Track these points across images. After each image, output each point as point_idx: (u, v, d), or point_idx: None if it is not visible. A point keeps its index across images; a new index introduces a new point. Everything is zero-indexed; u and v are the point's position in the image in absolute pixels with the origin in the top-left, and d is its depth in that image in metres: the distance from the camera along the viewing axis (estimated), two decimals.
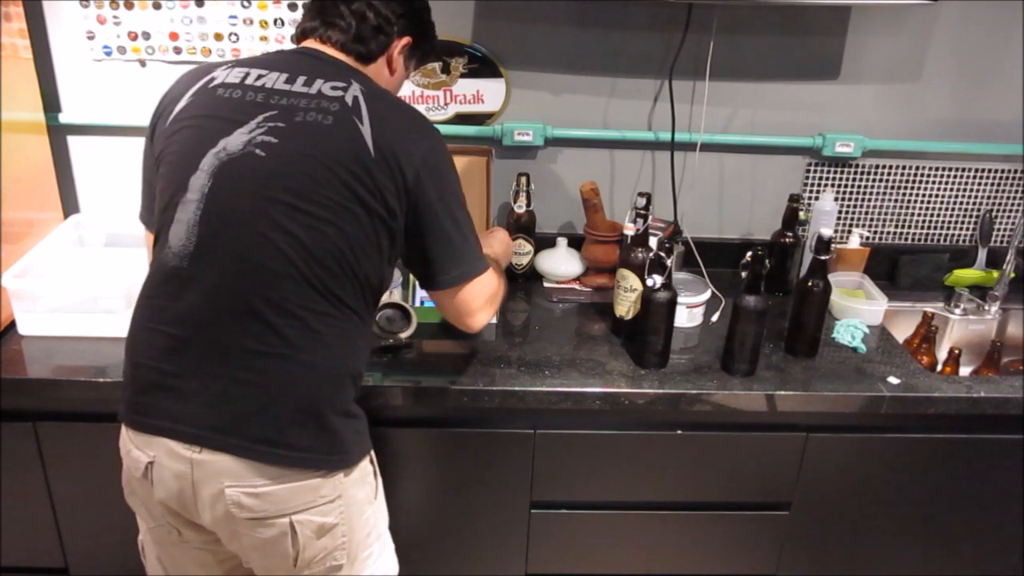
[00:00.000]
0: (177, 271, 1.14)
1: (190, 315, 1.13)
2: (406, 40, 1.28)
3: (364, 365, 1.25)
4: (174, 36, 1.75)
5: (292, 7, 1.73)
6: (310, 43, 1.25)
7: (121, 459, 1.24)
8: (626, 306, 1.60)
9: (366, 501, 1.27)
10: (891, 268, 1.98)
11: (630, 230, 1.59)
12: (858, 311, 1.74)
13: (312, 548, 1.20)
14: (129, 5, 1.72)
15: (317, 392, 1.15)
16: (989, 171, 1.95)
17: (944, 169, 1.95)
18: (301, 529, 1.17)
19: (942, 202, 1.99)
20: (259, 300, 1.11)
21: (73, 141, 1.85)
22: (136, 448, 1.18)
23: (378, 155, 1.12)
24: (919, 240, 2.03)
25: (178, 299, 1.14)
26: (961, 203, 1.99)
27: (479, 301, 1.27)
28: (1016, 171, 1.95)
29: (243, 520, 1.15)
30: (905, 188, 1.97)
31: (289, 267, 1.11)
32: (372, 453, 1.29)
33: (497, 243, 1.53)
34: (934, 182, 1.97)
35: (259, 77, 1.17)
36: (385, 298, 1.47)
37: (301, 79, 1.16)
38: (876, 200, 1.98)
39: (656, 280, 1.46)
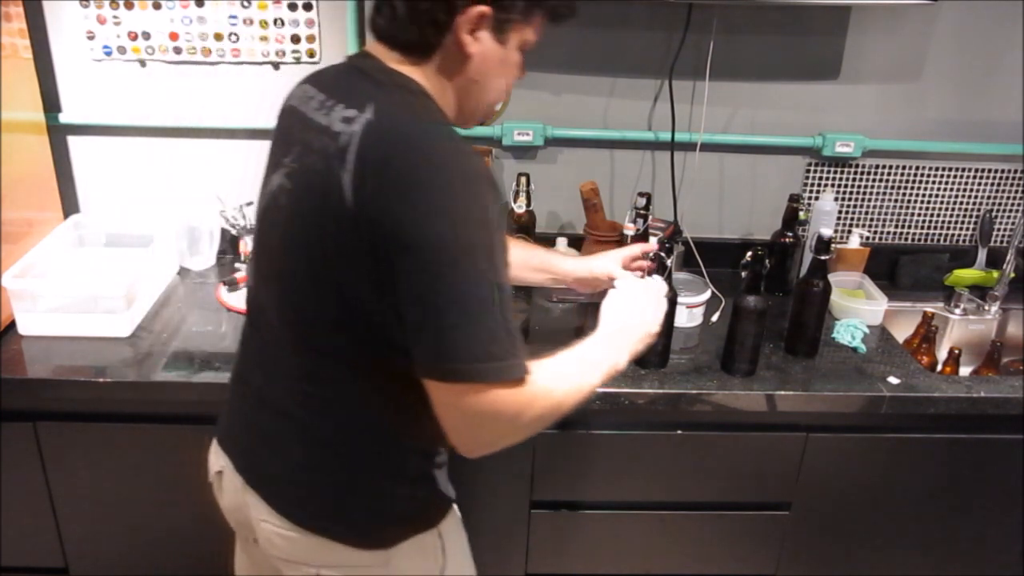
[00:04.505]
0: (248, 309, 1.15)
1: (249, 358, 1.14)
2: (478, 11, 0.95)
3: (408, 438, 1.07)
4: (174, 36, 1.75)
5: (292, 7, 1.73)
6: (369, 39, 1.04)
7: (120, 459, 1.22)
8: None
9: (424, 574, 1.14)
10: (891, 268, 1.98)
11: (630, 230, 1.59)
12: (858, 311, 1.74)
13: None
14: (129, 5, 1.72)
15: (335, 463, 1.06)
16: (989, 171, 1.95)
17: (944, 169, 1.95)
18: None
19: (942, 202, 1.99)
20: (282, 360, 1.06)
21: (73, 141, 1.85)
22: (213, 453, 1.20)
23: (357, 206, 0.89)
24: (919, 240, 2.03)
25: (247, 337, 1.15)
26: (961, 203, 1.99)
27: (478, 417, 0.92)
28: (1016, 171, 1.95)
29: (277, 558, 1.12)
30: (905, 188, 1.97)
31: (289, 332, 1.03)
32: (442, 527, 1.15)
33: (627, 328, 1.15)
34: (934, 182, 1.96)
35: (308, 100, 1.02)
36: None
37: (329, 103, 0.98)
38: (876, 200, 1.98)
39: (656, 279, 1.45)
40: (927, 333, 1.81)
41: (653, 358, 1.52)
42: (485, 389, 0.90)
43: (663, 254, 1.42)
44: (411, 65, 0.99)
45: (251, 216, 1.83)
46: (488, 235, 0.90)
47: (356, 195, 0.89)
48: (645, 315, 1.19)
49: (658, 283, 1.26)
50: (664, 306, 1.22)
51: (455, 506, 1.20)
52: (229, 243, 1.90)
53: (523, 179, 1.80)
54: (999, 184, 1.97)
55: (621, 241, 1.76)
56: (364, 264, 0.91)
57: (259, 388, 1.11)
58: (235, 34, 1.76)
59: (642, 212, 1.56)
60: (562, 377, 1.00)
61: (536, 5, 1.00)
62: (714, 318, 1.72)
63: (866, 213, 1.99)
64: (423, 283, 0.89)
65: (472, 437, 0.96)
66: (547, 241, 1.88)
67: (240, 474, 1.13)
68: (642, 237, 1.57)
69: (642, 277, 1.36)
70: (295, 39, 1.76)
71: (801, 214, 1.82)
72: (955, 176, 1.96)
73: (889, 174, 1.95)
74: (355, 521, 1.08)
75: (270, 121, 1.80)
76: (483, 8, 0.95)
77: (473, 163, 0.92)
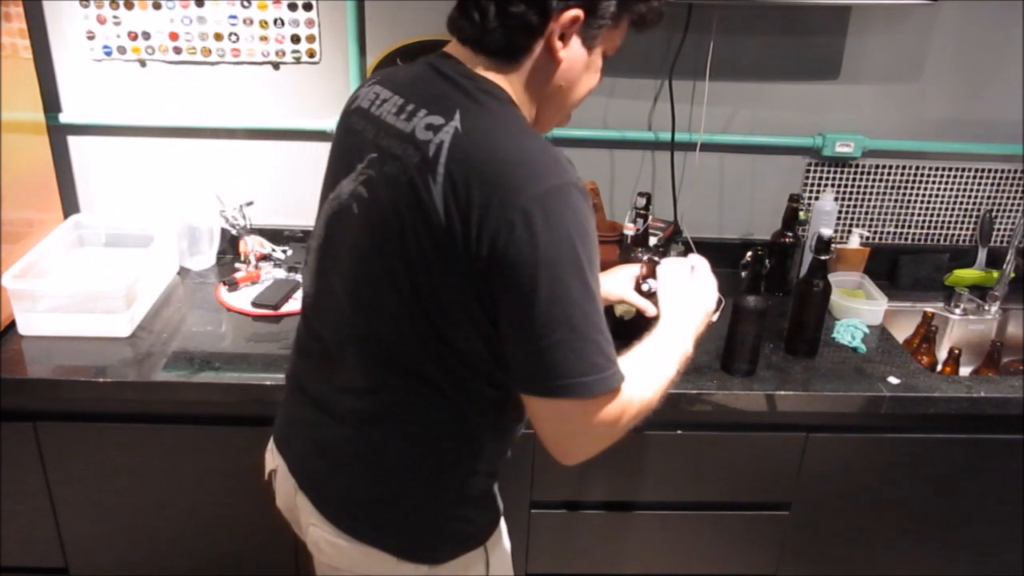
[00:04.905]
0: (305, 314, 1.12)
1: (306, 363, 1.12)
2: (573, 15, 0.92)
3: (472, 458, 1.05)
4: (174, 36, 1.75)
5: (292, 7, 1.73)
6: (452, 41, 1.00)
7: (120, 459, 1.21)
8: (626, 307, 1.60)
9: None
10: (891, 268, 1.98)
11: (630, 230, 1.59)
12: (858, 311, 1.74)
13: None
14: (129, 5, 1.72)
15: (384, 474, 1.05)
16: (989, 171, 1.95)
17: (944, 169, 1.95)
18: None
19: (942, 202, 1.99)
20: (344, 369, 1.04)
21: (73, 141, 1.85)
22: (269, 452, 1.20)
23: (448, 222, 0.87)
24: (919, 240, 2.03)
25: (304, 342, 1.13)
26: (961, 203, 1.99)
27: (582, 428, 0.93)
28: (1016, 171, 1.95)
29: (322, 563, 1.12)
30: (905, 188, 1.97)
31: (359, 343, 1.01)
32: (489, 543, 1.12)
33: (686, 309, 1.15)
34: (934, 182, 1.96)
35: (383, 102, 0.98)
36: None
37: (409, 107, 0.95)
38: (876, 200, 1.98)
39: (652, 284, 1.39)
40: (927, 333, 1.81)
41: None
42: (590, 401, 0.90)
43: (656, 258, 1.38)
44: (496, 71, 0.95)
45: (251, 216, 1.83)
46: (587, 246, 0.88)
47: (448, 210, 0.87)
48: (701, 297, 1.18)
49: (701, 260, 1.24)
50: (715, 282, 1.21)
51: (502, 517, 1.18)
52: (229, 243, 1.90)
53: None
54: (999, 184, 1.97)
55: (621, 241, 1.76)
56: (455, 280, 0.89)
57: (319, 395, 1.09)
58: (235, 34, 1.76)
59: (642, 212, 1.56)
60: (649, 375, 1.01)
61: (627, 10, 0.96)
62: (714, 318, 1.72)
63: (866, 213, 1.99)
64: (527, 300, 0.86)
65: (574, 447, 0.95)
66: None
67: (293, 476, 1.12)
68: (642, 237, 1.57)
69: (638, 285, 1.34)
70: (295, 39, 1.77)
71: (801, 214, 1.82)
72: (955, 176, 1.96)
73: (889, 174, 1.95)
74: (408, 535, 1.06)
75: (270, 121, 1.83)
76: (577, 12, 0.91)
77: (569, 174, 0.89)
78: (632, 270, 1.34)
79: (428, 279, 0.91)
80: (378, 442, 1.04)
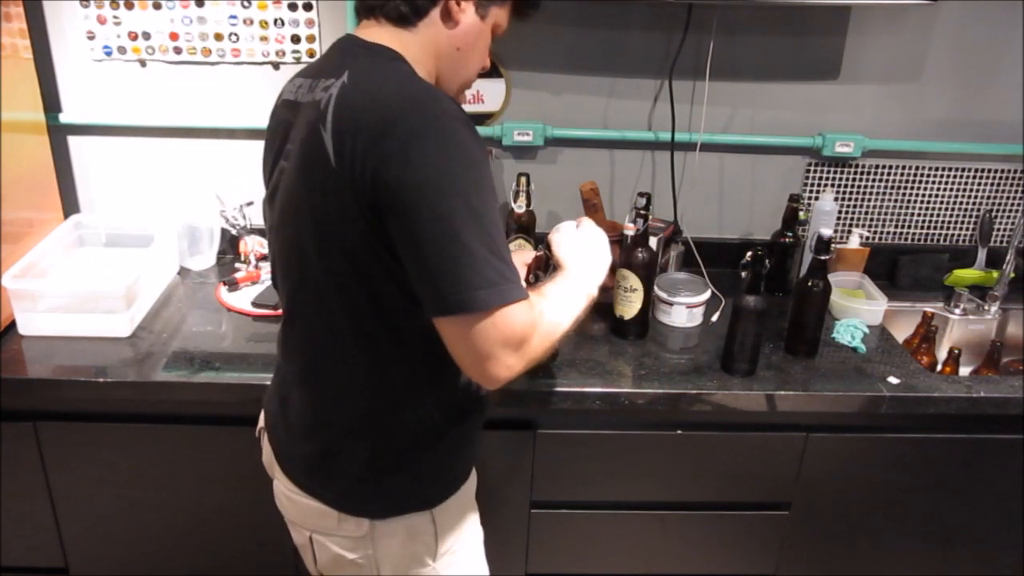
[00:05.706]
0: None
1: (280, 331, 1.21)
2: None
3: (396, 411, 1.09)
4: (174, 36, 1.75)
5: (292, 7, 1.73)
6: (363, 20, 1.09)
7: (120, 459, 1.24)
8: (626, 306, 1.61)
9: (413, 559, 1.15)
10: (891, 268, 1.98)
11: (630, 230, 1.59)
12: (858, 311, 1.74)
13: (333, 573, 1.19)
14: (129, 5, 1.72)
15: (320, 430, 1.12)
16: (989, 171, 1.95)
17: (944, 169, 1.95)
18: (319, 550, 1.17)
19: (942, 202, 1.99)
20: (291, 333, 1.15)
21: (73, 141, 1.85)
22: (261, 411, 1.28)
23: (339, 165, 0.94)
24: (919, 240, 2.03)
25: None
26: (961, 203, 1.99)
27: (489, 343, 0.94)
28: (1016, 171, 1.95)
29: (285, 517, 1.22)
30: (905, 188, 1.97)
31: (285, 300, 1.14)
32: (438, 511, 1.16)
33: (579, 255, 1.20)
34: (934, 182, 1.97)
35: (298, 89, 1.08)
36: None
37: (314, 83, 1.04)
38: (876, 200, 1.98)
39: (539, 276, 1.34)
40: (927, 333, 1.81)
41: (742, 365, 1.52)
42: (491, 314, 0.93)
43: (548, 251, 1.31)
44: (395, 33, 1.04)
45: (251, 216, 1.83)
46: (471, 172, 0.93)
47: (337, 152, 0.94)
48: (597, 251, 1.23)
49: (588, 221, 1.29)
50: (605, 236, 1.27)
51: (466, 490, 1.22)
52: (229, 243, 1.90)
53: (523, 179, 1.80)
54: (999, 184, 1.97)
55: (622, 241, 1.76)
56: (353, 220, 0.95)
57: (283, 359, 1.19)
58: (235, 34, 1.76)
59: (642, 212, 1.56)
60: (555, 300, 1.07)
61: None
62: (714, 318, 1.72)
63: (866, 213, 1.99)
64: (412, 219, 0.92)
65: (490, 366, 0.97)
66: None
67: (268, 433, 1.22)
68: (642, 237, 1.57)
69: (527, 277, 1.34)
70: (295, 39, 1.77)
71: (801, 214, 1.82)
72: (955, 176, 1.96)
73: (889, 174, 1.95)
74: (344, 489, 1.12)
75: None
76: None
77: (444, 105, 0.95)
78: (523, 258, 1.36)
79: (336, 227, 0.97)
80: (313, 399, 1.12)
